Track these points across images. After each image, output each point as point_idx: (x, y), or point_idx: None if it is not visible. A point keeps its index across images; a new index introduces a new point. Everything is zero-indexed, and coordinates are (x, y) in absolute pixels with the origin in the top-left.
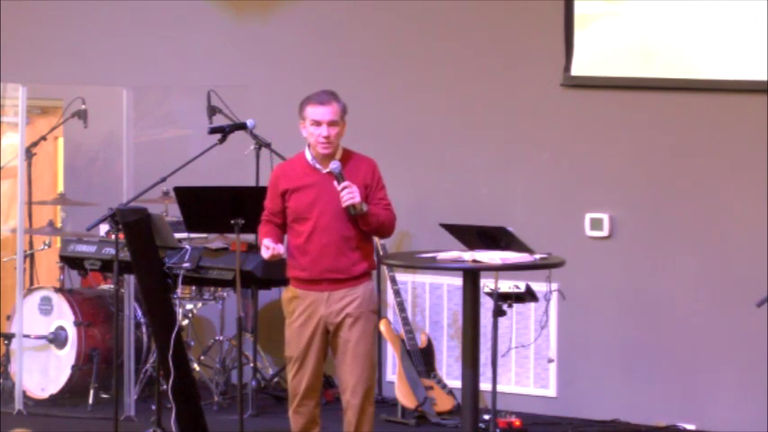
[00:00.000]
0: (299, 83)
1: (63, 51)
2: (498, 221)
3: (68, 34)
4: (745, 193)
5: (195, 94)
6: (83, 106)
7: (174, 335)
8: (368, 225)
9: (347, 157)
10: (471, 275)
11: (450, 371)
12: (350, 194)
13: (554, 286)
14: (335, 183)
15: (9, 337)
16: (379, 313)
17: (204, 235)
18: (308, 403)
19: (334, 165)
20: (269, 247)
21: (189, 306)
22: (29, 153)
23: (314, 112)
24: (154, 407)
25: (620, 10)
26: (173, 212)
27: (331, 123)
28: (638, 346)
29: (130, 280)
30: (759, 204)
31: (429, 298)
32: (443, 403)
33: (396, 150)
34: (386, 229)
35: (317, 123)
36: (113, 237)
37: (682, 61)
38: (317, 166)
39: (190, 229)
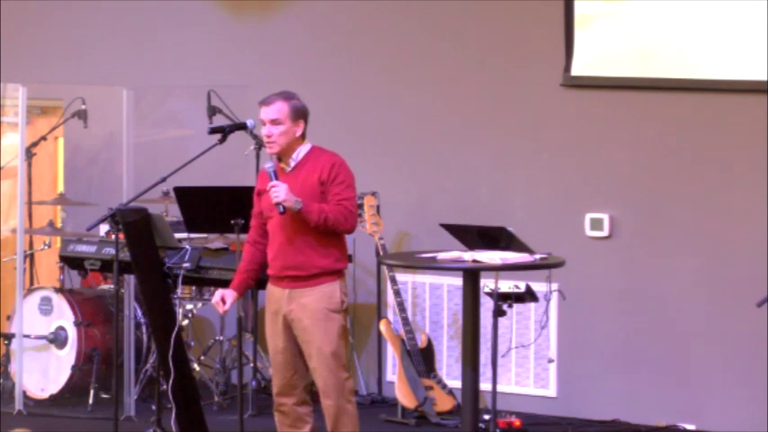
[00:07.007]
0: (299, 83)
1: (63, 51)
2: (498, 221)
3: (68, 34)
4: (745, 193)
5: (195, 94)
6: (83, 106)
7: (174, 335)
8: (312, 223)
9: (312, 155)
10: (471, 275)
11: (450, 371)
12: (275, 193)
13: (554, 286)
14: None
15: (9, 337)
16: (379, 313)
17: (204, 235)
18: (286, 401)
19: (268, 165)
20: (219, 302)
21: (189, 306)
22: (29, 153)
23: (261, 112)
24: (154, 407)
25: (620, 10)
26: (173, 212)
27: (273, 122)
28: (638, 346)
29: (130, 280)
30: (759, 204)
31: (429, 298)
32: (443, 403)
33: (396, 150)
34: (339, 225)
35: (263, 123)
36: (113, 237)
37: (682, 61)
38: (282, 165)
39: (190, 229)
